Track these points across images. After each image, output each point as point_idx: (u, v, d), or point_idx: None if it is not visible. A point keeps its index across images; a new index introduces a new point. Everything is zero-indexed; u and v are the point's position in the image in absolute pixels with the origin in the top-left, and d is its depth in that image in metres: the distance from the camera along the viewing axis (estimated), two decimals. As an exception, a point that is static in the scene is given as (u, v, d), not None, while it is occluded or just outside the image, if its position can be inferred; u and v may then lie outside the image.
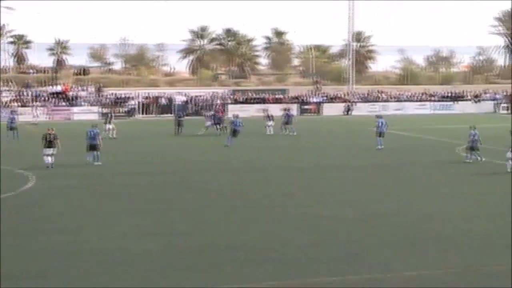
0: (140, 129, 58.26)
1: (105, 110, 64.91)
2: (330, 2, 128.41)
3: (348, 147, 46.71)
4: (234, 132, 46.22)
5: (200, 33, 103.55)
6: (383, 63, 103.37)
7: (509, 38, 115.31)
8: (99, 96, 70.37)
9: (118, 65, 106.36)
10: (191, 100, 70.11)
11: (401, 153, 43.78)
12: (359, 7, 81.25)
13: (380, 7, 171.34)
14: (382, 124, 44.04)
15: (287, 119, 53.35)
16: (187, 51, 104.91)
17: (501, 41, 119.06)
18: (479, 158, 38.67)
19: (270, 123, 53.48)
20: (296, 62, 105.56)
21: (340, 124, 62.94)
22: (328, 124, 62.76)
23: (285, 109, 56.03)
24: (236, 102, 70.40)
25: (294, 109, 68.38)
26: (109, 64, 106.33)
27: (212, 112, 57.43)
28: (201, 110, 67.11)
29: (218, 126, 52.67)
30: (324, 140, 50.55)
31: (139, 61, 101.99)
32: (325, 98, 74.42)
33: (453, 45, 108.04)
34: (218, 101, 69.12)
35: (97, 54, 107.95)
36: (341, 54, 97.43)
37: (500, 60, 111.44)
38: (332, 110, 71.77)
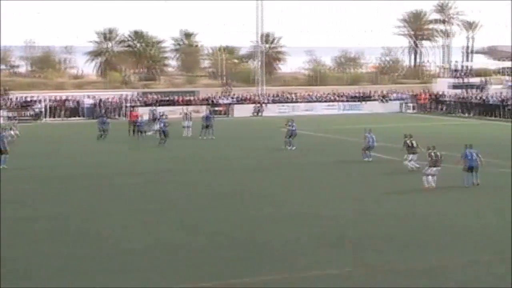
0: (63, 133, 56.96)
1: (10, 114, 63.34)
2: (239, 3, 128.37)
3: (260, 148, 46.90)
4: (164, 133, 46.36)
5: (107, 35, 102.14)
6: (292, 64, 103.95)
7: (414, 39, 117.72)
8: (4, 99, 68.55)
9: (23, 68, 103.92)
10: (99, 103, 69.03)
11: (312, 153, 44.14)
12: (268, 9, 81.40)
13: (288, 8, 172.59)
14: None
15: (208, 121, 52.18)
16: (95, 54, 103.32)
17: (406, 42, 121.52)
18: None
19: (187, 123, 52.63)
20: (205, 63, 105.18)
21: (250, 125, 63.08)
22: (239, 125, 62.75)
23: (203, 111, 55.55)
24: (146, 104, 69.62)
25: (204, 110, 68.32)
26: (14, 67, 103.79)
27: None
28: (110, 113, 66.17)
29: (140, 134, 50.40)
30: (238, 142, 50.48)
31: (45, 63, 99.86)
32: (235, 99, 74.41)
33: (361, 46, 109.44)
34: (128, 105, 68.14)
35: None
36: (251, 56, 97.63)
37: (406, 60, 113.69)
38: (242, 111, 71.78)
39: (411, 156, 36.69)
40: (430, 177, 32.38)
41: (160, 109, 58.35)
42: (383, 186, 33.55)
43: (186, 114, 53.61)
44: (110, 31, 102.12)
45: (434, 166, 32.44)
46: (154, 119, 53.26)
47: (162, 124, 47.73)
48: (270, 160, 42.13)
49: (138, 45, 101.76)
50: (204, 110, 65.67)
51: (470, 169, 33.22)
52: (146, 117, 54.03)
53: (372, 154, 40.82)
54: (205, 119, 52.44)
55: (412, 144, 36.89)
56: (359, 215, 27.61)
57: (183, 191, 32.31)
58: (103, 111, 66.05)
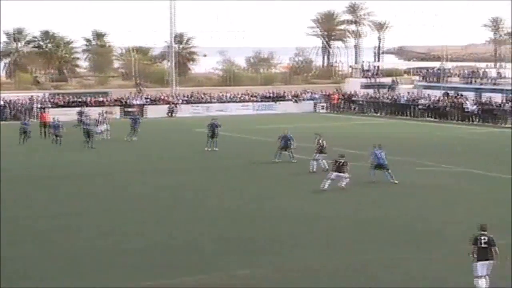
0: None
1: None
2: (152, 3, 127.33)
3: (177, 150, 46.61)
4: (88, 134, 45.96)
5: (16, 36, 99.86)
6: (206, 64, 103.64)
7: (326, 39, 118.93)
8: None
9: None
10: (9, 105, 67.39)
11: (228, 154, 44.00)
12: (181, 9, 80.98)
13: (202, 8, 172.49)
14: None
15: (135, 124, 51.13)
16: (3, 54, 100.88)
17: (319, 42, 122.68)
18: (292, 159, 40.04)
19: (105, 127, 51.59)
20: (118, 64, 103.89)
21: (165, 126, 62.53)
22: (153, 126, 62.04)
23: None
24: (57, 105, 68.31)
25: (118, 112, 67.57)
26: None
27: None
28: (20, 114, 64.77)
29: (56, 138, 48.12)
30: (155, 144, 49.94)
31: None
32: (148, 100, 73.71)
33: (274, 46, 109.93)
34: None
35: None
36: (164, 56, 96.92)
37: (319, 60, 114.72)
38: (156, 112, 71.15)
39: (318, 155, 36.86)
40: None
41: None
42: (291, 186, 33.82)
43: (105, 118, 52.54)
44: (19, 31, 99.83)
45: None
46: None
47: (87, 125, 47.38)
48: (190, 161, 41.86)
49: (49, 45, 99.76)
50: (117, 112, 65.07)
51: (378, 166, 34.00)
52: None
53: (285, 153, 40.90)
54: (133, 121, 51.61)
55: (322, 144, 37.02)
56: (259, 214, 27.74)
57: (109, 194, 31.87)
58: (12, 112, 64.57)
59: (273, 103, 76.89)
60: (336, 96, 78.49)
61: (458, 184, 34.41)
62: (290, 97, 78.42)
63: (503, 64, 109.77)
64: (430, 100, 71.18)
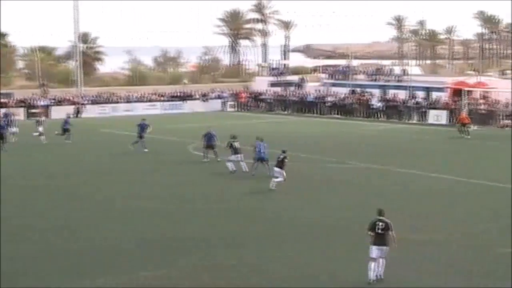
0: None
1: None
2: (55, 3, 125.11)
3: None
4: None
5: None
6: (111, 64, 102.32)
7: (233, 38, 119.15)
8: None
9: None
10: None
11: (133, 155, 43.47)
12: (85, 8, 79.71)
13: (107, 8, 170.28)
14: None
15: (66, 125, 49.80)
16: None
17: (226, 41, 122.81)
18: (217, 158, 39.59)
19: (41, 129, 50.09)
20: (20, 64, 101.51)
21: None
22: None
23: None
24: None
25: (21, 113, 66.08)
26: None
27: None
28: None
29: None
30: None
31: None
32: (53, 100, 72.27)
33: (180, 46, 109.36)
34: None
35: None
36: (68, 56, 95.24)
37: (226, 59, 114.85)
38: (61, 113, 69.70)
39: (233, 156, 36.79)
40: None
41: None
42: (210, 185, 33.67)
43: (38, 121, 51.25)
44: None
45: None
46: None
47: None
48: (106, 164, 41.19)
49: None
50: (20, 113, 63.73)
51: (260, 160, 34.68)
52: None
53: (196, 153, 40.70)
54: (64, 123, 50.30)
55: (235, 146, 36.89)
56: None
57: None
58: None
59: (180, 102, 76.56)
60: (243, 95, 78.68)
61: (360, 179, 34.86)
62: (198, 96, 78.25)
63: (406, 61, 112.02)
64: (335, 97, 72.12)
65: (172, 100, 76.60)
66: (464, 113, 53.74)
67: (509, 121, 58.31)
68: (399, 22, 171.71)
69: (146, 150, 43.37)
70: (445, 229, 24.95)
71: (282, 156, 31.97)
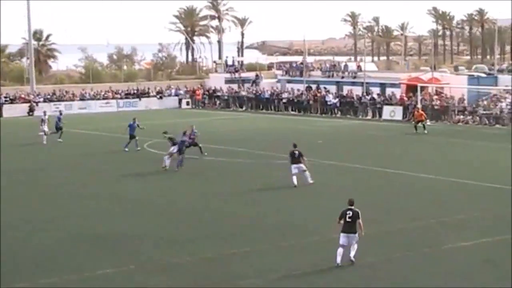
0: None
1: None
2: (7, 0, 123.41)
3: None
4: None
5: None
6: (65, 62, 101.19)
7: (188, 35, 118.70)
8: None
9: None
10: None
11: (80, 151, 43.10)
12: (38, 5, 78.73)
13: (60, 5, 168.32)
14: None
15: (58, 123, 48.47)
16: None
17: (181, 38, 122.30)
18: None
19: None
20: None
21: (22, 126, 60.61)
22: (11, 126, 60.02)
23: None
24: None
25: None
26: None
27: None
28: None
29: None
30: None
31: None
32: (5, 99, 71.26)
33: (135, 43, 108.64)
34: None
35: None
36: (21, 53, 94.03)
37: (181, 56, 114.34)
38: (14, 111, 69.00)
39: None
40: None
41: None
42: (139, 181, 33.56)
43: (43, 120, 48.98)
44: None
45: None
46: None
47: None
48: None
49: None
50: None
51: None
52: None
53: (152, 151, 40.45)
54: (58, 120, 48.93)
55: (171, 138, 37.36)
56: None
57: None
58: None
59: (136, 99, 76.09)
60: (198, 92, 78.41)
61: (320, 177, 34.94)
62: (153, 93, 77.82)
63: (361, 57, 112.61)
64: (291, 94, 72.22)
65: (127, 98, 76.06)
66: (419, 110, 54.06)
67: (462, 117, 58.93)
68: (353, 18, 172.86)
69: (138, 148, 42.75)
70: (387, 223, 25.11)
71: (297, 152, 31.82)
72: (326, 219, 24.31)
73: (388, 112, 62.67)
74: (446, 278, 19.46)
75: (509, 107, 57.17)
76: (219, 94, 77.83)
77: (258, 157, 40.46)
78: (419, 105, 57.66)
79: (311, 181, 31.85)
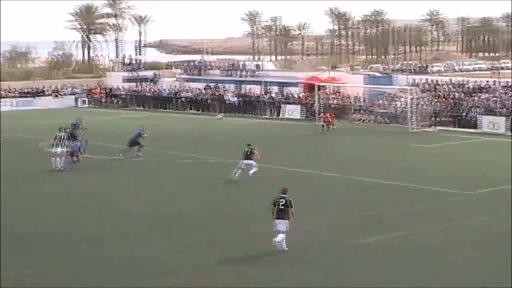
0: None
1: None
2: None
3: None
4: None
5: None
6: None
7: (87, 33, 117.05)
8: None
9: None
10: None
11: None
12: None
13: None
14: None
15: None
16: None
17: (79, 36, 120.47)
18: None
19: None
20: None
21: None
22: None
23: None
24: None
25: None
26: None
27: None
28: None
29: None
30: None
31: None
32: None
33: (32, 40, 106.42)
34: None
35: None
36: None
37: (80, 55, 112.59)
38: None
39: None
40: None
41: None
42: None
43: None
44: None
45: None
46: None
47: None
48: None
49: None
50: None
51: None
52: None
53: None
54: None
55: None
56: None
57: None
58: None
59: (33, 98, 74.49)
60: (98, 91, 77.30)
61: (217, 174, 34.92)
62: (51, 92, 76.34)
63: (261, 56, 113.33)
64: (192, 92, 71.98)
65: (25, 96, 74.37)
66: (331, 113, 54.15)
67: (362, 115, 59.82)
68: (254, 17, 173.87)
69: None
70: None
71: (249, 149, 33.00)
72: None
73: (288, 111, 63.15)
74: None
75: (408, 106, 58.30)
76: (119, 93, 76.91)
77: (157, 156, 40.12)
78: (320, 104, 58.30)
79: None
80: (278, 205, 21.38)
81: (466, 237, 23.34)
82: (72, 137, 38.74)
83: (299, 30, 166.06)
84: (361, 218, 25.84)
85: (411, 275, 19.56)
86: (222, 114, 38.09)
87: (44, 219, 26.25)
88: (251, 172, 32.83)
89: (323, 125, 52.49)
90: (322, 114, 54.54)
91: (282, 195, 21.61)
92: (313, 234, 23.53)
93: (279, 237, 21.18)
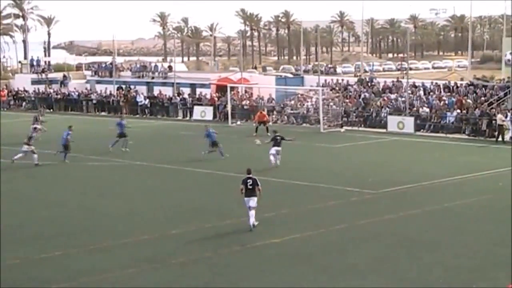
0: None
1: None
2: None
3: None
4: None
5: None
6: None
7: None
8: None
9: None
10: None
11: None
12: None
13: None
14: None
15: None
16: None
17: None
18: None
19: None
20: None
21: None
22: None
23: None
24: None
25: None
26: None
27: None
28: None
29: None
30: None
31: None
32: None
33: None
34: None
35: None
36: None
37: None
38: None
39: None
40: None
41: None
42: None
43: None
44: None
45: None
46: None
47: None
48: None
49: None
50: None
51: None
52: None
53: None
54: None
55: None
56: None
57: None
58: None
59: None
60: (3, 93, 75.52)
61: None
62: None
63: (170, 58, 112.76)
64: (101, 95, 71.08)
65: None
66: (262, 112, 53.77)
67: (272, 116, 60.06)
68: (162, 19, 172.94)
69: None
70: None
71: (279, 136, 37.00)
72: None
73: (198, 112, 62.92)
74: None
75: (314, 106, 58.90)
76: (25, 95, 75.29)
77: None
78: (228, 104, 58.37)
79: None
80: (249, 184, 24.12)
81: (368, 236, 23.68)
82: None
83: (208, 31, 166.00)
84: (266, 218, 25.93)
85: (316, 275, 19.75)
86: (259, 141, 37.84)
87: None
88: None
89: (256, 127, 50.73)
90: (259, 113, 52.80)
91: (250, 176, 24.36)
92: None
93: (252, 213, 23.93)
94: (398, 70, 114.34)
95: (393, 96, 58.10)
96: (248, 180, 24.30)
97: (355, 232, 24.06)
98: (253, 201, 24.10)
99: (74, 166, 37.79)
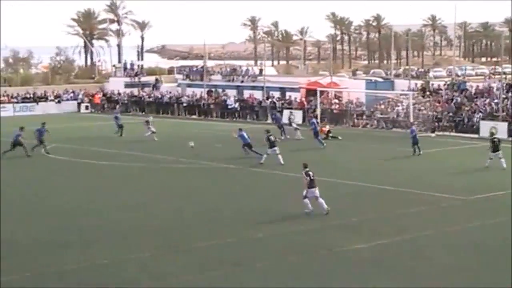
0: None
1: None
2: None
3: None
4: None
5: None
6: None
7: (86, 39, 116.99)
8: None
9: None
10: None
11: None
12: None
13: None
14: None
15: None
16: None
17: (79, 41, 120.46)
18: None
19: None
20: None
21: None
22: None
23: None
24: None
25: None
26: None
27: None
28: None
29: None
30: None
31: None
32: None
33: (31, 46, 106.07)
34: None
35: None
36: None
37: (79, 60, 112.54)
38: None
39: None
40: None
41: None
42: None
43: None
44: None
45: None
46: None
47: None
48: None
49: None
50: None
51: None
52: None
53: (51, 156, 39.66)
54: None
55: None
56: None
57: None
58: None
59: (33, 104, 74.47)
60: (97, 96, 77.27)
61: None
62: (51, 98, 76.32)
63: (261, 62, 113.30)
64: (191, 98, 71.94)
65: (23, 102, 74.33)
66: (322, 129, 52.89)
67: (361, 120, 59.68)
68: (253, 23, 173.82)
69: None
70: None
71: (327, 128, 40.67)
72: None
73: (287, 116, 62.86)
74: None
75: (405, 111, 58.21)
76: (118, 98, 76.82)
77: (154, 161, 40.06)
78: (318, 108, 58.13)
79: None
80: (312, 176, 26.52)
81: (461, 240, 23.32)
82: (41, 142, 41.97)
83: (298, 35, 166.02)
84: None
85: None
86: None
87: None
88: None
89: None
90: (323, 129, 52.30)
91: (308, 169, 26.62)
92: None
93: (320, 200, 26.41)
94: (492, 74, 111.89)
95: (486, 100, 56.85)
96: (309, 172, 26.62)
97: (444, 239, 23.70)
98: (317, 191, 26.51)
99: (160, 169, 38.17)
